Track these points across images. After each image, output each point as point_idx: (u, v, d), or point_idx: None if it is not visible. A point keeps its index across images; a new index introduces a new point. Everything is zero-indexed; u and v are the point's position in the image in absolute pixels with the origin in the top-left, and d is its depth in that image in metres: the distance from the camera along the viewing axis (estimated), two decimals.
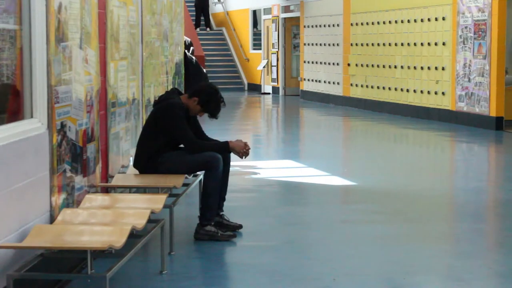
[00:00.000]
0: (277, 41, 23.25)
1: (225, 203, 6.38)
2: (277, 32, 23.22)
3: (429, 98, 15.19)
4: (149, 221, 4.96)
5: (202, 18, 26.67)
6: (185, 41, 10.47)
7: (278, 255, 5.72)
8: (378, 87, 17.13)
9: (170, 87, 8.61)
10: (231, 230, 6.23)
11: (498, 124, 13.31)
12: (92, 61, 5.51)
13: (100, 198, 5.32)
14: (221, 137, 6.68)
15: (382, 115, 16.39)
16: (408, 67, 15.88)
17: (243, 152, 6.19)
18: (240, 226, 6.36)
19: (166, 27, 8.70)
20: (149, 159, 6.12)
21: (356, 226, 6.64)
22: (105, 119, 5.97)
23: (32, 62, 4.59)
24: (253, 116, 18.22)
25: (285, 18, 22.94)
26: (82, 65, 5.29)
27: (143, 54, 7.36)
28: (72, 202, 5.11)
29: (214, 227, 6.05)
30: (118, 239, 4.30)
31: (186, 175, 6.28)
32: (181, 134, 6.08)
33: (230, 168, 6.33)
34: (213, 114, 6.27)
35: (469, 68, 13.87)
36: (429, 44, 15.14)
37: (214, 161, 5.95)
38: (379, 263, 5.48)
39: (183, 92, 7.99)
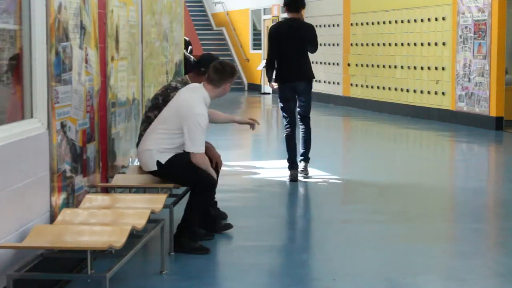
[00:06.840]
0: None
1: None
2: None
3: (429, 98, 15.18)
4: (149, 221, 4.95)
5: None
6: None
7: (278, 255, 5.72)
8: (378, 87, 17.13)
9: None
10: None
11: (498, 124, 13.30)
12: (92, 61, 5.51)
13: (100, 198, 5.32)
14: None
15: (382, 115, 16.39)
16: (408, 67, 15.88)
17: None
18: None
19: (166, 27, 8.70)
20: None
21: (356, 226, 6.63)
22: (105, 119, 5.96)
23: (32, 62, 4.59)
24: (253, 116, 18.20)
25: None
26: (82, 65, 5.29)
27: (143, 54, 7.36)
28: (72, 202, 5.10)
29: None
30: (118, 239, 4.30)
31: None
32: None
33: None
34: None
35: (469, 68, 13.87)
36: (429, 44, 15.14)
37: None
38: (379, 263, 5.48)
39: None
